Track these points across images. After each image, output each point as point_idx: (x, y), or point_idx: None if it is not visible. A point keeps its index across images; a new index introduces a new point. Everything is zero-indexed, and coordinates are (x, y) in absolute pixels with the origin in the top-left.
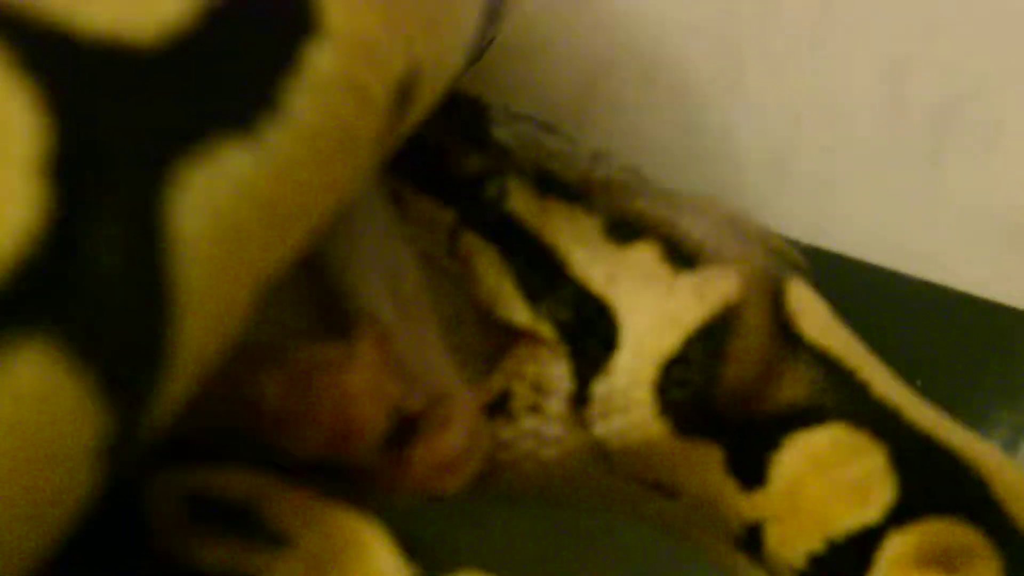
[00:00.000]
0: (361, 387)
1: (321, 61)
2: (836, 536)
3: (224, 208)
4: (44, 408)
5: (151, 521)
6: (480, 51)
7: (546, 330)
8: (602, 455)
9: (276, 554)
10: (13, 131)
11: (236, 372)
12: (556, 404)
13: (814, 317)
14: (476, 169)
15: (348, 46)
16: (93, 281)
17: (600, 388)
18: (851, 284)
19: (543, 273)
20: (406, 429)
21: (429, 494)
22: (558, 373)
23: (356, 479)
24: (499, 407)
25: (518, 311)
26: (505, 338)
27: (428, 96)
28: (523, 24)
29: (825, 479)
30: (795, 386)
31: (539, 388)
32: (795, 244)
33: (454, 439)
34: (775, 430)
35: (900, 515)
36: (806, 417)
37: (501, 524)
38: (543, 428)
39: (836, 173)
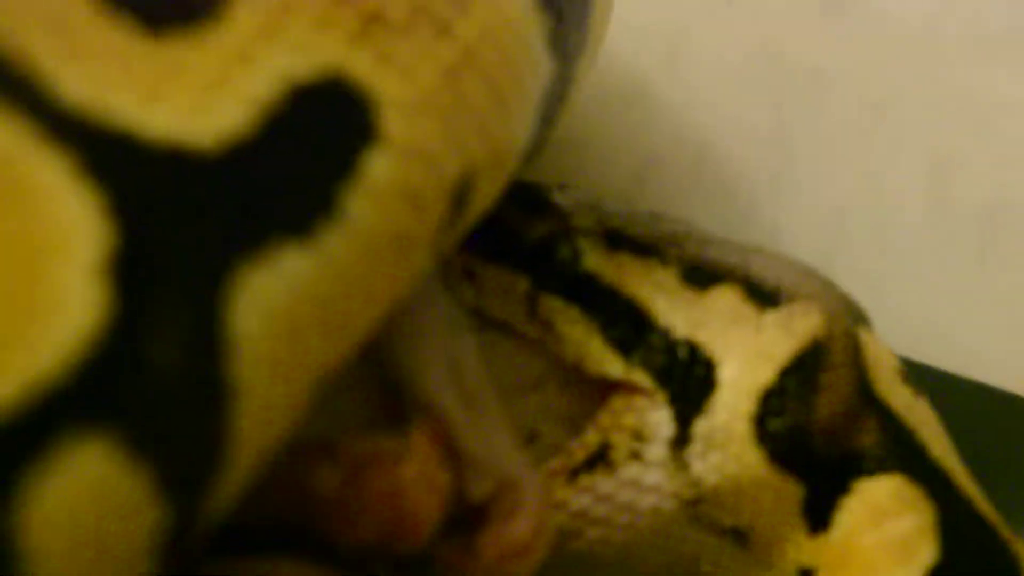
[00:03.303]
0: (414, 479)
1: (379, 168)
2: None
3: (282, 309)
4: (104, 503)
5: None
6: (536, 151)
7: (642, 378)
8: (693, 500)
9: None
10: (78, 234)
11: (293, 464)
12: (657, 450)
13: (882, 370)
14: (544, 233)
15: (406, 154)
16: (152, 380)
17: (701, 427)
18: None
19: (629, 325)
20: (474, 517)
21: None
22: (657, 419)
23: (424, 569)
24: (599, 459)
25: (610, 364)
26: (592, 397)
27: (483, 198)
28: (575, 118)
29: (878, 532)
30: (867, 433)
31: (639, 436)
32: None
33: (522, 526)
34: (847, 474)
35: None
36: (873, 465)
37: None
38: (644, 476)
39: (883, 271)
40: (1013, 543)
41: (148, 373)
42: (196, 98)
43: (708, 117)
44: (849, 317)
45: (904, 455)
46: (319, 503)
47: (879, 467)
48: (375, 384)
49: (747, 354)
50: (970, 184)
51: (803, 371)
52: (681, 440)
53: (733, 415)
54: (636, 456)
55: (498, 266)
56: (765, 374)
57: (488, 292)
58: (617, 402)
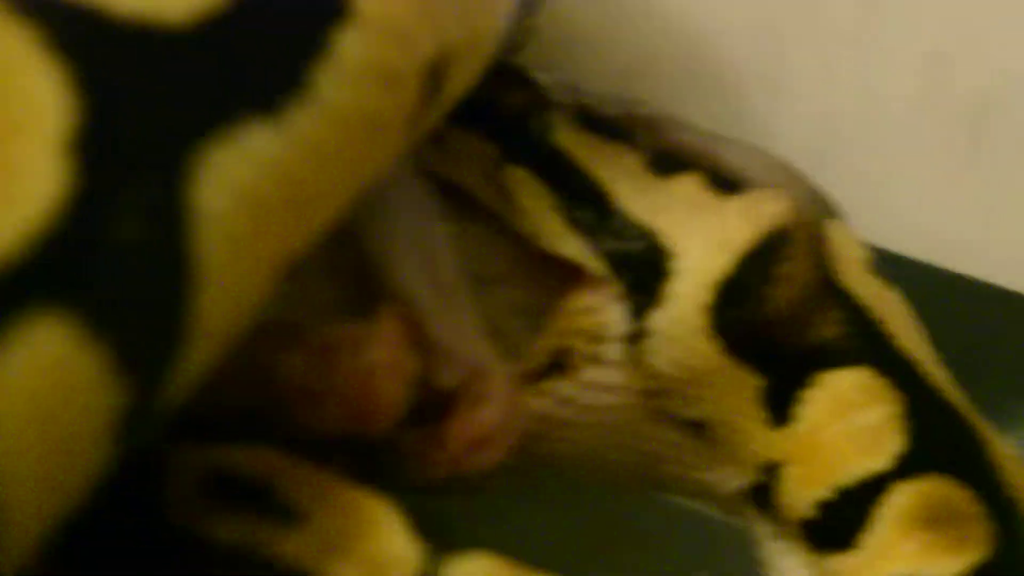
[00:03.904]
0: (380, 363)
1: (350, 45)
2: (846, 483)
3: (248, 187)
4: (60, 379)
5: (168, 495)
6: (517, 40)
7: (596, 264)
8: (651, 393)
9: (289, 530)
10: (41, 108)
11: (259, 349)
12: (614, 349)
13: (848, 261)
14: (519, 104)
15: (378, 30)
16: (113, 256)
17: (657, 319)
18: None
19: (589, 205)
20: (441, 406)
21: (464, 470)
22: (613, 317)
23: (389, 457)
24: (557, 365)
25: (567, 244)
26: (553, 293)
27: (459, 81)
28: (562, 18)
29: (844, 422)
30: (830, 325)
31: (596, 338)
32: None
33: (489, 415)
34: (809, 366)
35: (907, 467)
36: (836, 358)
37: (518, 509)
38: (603, 377)
39: (875, 167)
40: (982, 429)
41: (109, 250)
42: None
43: (699, 17)
44: (817, 208)
45: (870, 347)
46: (285, 387)
47: (844, 359)
48: (348, 270)
49: (705, 242)
50: (962, 78)
51: (762, 259)
52: (637, 335)
53: (689, 306)
54: (594, 359)
55: (467, 131)
56: (723, 262)
57: (452, 156)
58: (573, 303)
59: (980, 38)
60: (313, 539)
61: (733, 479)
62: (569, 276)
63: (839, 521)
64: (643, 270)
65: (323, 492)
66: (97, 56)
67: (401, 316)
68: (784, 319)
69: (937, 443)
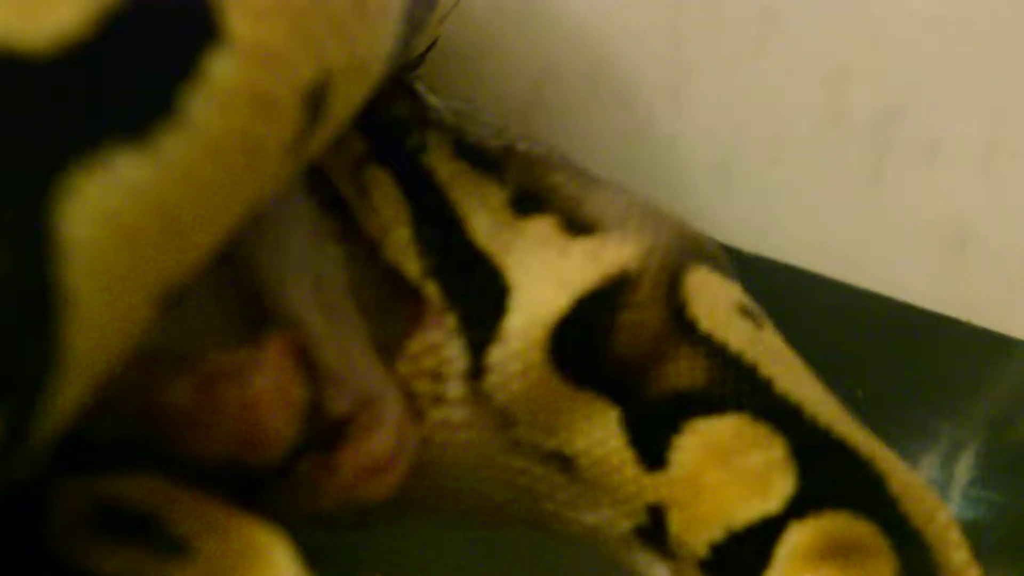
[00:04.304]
0: (267, 391)
1: (222, 69)
2: (737, 526)
3: (117, 216)
4: None
5: (52, 527)
6: (409, 60)
7: (433, 291)
8: (508, 423)
9: (176, 562)
10: None
11: (143, 377)
12: (456, 387)
13: (712, 308)
14: (401, 114)
15: (251, 54)
16: None
17: (496, 355)
18: (791, 293)
19: (440, 228)
20: (333, 433)
21: (357, 499)
22: (453, 354)
23: (278, 485)
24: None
25: (408, 259)
26: (399, 332)
27: (343, 105)
28: (468, 30)
29: (725, 468)
30: (692, 373)
31: (438, 377)
32: (738, 252)
33: (381, 442)
34: (674, 413)
35: (799, 507)
36: (705, 405)
37: (416, 539)
38: (451, 415)
39: (779, 181)
40: (880, 461)
41: None
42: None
43: (604, 29)
44: (682, 254)
45: (742, 393)
46: (171, 416)
47: (713, 407)
48: (235, 294)
49: (545, 280)
50: (864, 94)
51: (602, 304)
52: (476, 371)
53: (526, 343)
54: (438, 399)
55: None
56: (559, 302)
57: None
58: (413, 346)
59: (881, 54)
60: (201, 571)
61: (618, 521)
62: (413, 312)
63: (737, 561)
64: (481, 303)
65: (211, 522)
66: None
67: (289, 341)
68: (634, 366)
69: (829, 480)
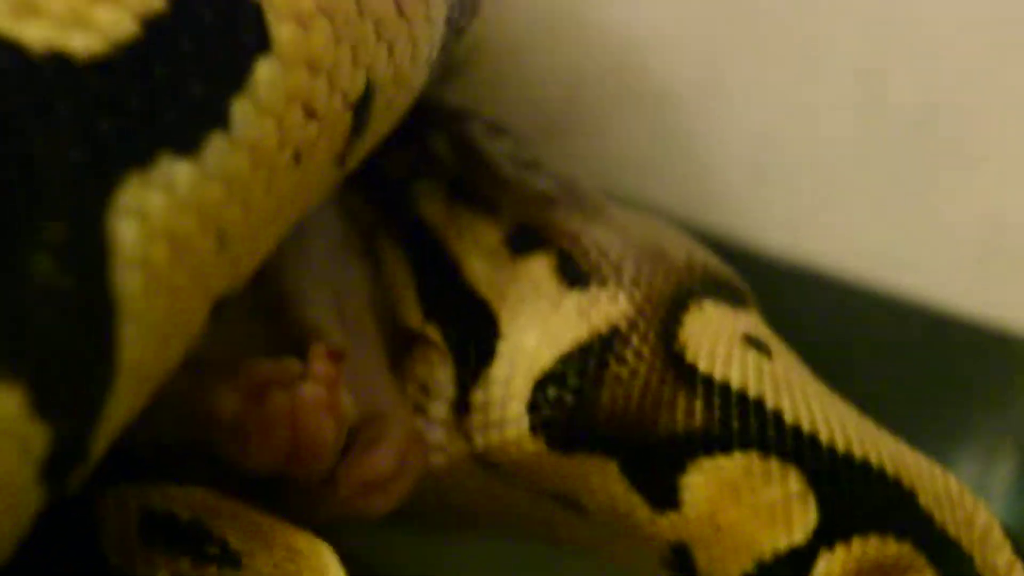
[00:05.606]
0: (313, 400)
1: (270, 78)
2: (765, 558)
3: (170, 223)
4: None
5: (103, 538)
6: (451, 66)
7: (434, 333)
8: (491, 467)
9: (227, 573)
10: None
11: (192, 387)
12: (438, 408)
13: (714, 347)
14: (400, 169)
15: (298, 64)
16: (29, 295)
17: (478, 397)
18: (822, 302)
19: (438, 278)
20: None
21: (354, 513)
22: (444, 378)
23: (278, 494)
24: None
25: (412, 314)
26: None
27: (387, 113)
28: (503, 36)
29: (741, 506)
30: (692, 416)
31: (426, 390)
32: (769, 256)
33: (382, 459)
34: (677, 453)
35: (826, 536)
36: (708, 445)
37: (452, 554)
38: (427, 430)
39: (813, 181)
40: (907, 478)
41: (25, 288)
42: (77, 8)
43: (638, 33)
44: (682, 295)
45: (748, 429)
46: (220, 424)
47: (719, 446)
48: (263, 309)
49: (534, 332)
50: (897, 93)
51: (588, 361)
52: (461, 406)
53: (508, 393)
54: (420, 409)
55: (352, 193)
56: (545, 357)
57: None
58: (416, 350)
59: (917, 53)
60: None
61: (650, 554)
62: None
63: None
64: (471, 346)
65: (261, 533)
66: (11, 91)
67: (333, 351)
68: (618, 419)
69: (854, 506)
